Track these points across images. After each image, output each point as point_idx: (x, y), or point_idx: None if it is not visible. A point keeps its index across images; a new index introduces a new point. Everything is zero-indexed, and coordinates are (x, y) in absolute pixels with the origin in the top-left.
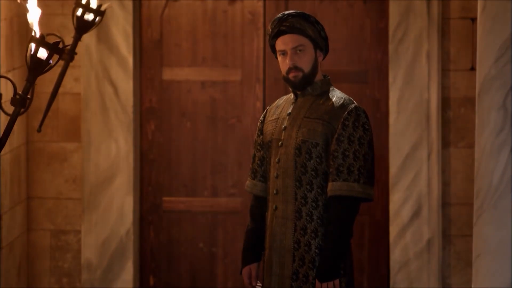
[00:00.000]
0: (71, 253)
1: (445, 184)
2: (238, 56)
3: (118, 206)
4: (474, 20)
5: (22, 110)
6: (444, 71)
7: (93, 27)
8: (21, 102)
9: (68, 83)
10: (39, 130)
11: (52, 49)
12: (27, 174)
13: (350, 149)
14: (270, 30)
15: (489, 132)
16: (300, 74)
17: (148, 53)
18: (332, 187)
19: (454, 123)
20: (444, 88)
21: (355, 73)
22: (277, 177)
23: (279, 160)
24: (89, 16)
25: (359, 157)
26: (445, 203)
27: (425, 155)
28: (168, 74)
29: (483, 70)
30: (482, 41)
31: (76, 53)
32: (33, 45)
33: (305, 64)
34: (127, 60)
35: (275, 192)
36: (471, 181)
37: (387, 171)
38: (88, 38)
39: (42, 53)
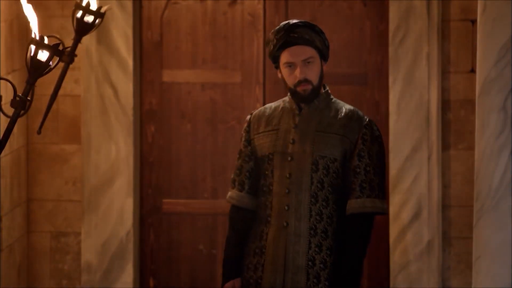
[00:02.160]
0: (71, 255)
1: (445, 186)
2: (238, 58)
3: (118, 208)
4: (474, 22)
5: (22, 112)
6: (444, 73)
7: (93, 29)
8: (21, 104)
9: (68, 85)
10: (39, 132)
11: (52, 51)
12: (27, 176)
13: (371, 165)
14: (275, 40)
15: (489, 134)
16: (309, 87)
17: (148, 55)
18: (356, 204)
19: (454, 125)
20: (444, 90)
21: (355, 75)
22: (288, 192)
23: (290, 175)
24: (89, 18)
25: (379, 172)
26: (445, 205)
27: (425, 157)
28: (168, 76)
29: (483, 72)
30: (482, 43)
31: (76, 55)
32: (33, 47)
33: (314, 77)
34: (127, 62)
35: (286, 208)
36: (471, 183)
37: (387, 173)
38: (88, 40)
39: (42, 55)
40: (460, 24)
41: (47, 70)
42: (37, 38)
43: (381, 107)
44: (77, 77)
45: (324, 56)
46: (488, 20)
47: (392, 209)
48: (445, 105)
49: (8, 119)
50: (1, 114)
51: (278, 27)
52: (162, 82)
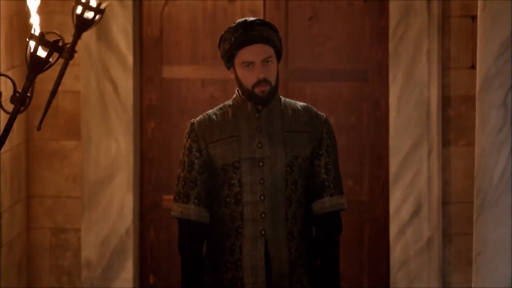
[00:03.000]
0: (71, 251)
1: (445, 183)
2: None
3: (118, 205)
4: (474, 18)
5: (22, 108)
6: (444, 70)
7: (93, 25)
8: (21, 100)
9: (68, 81)
10: (39, 128)
11: (52, 47)
12: (27, 173)
13: (336, 159)
14: (233, 38)
15: (489, 130)
16: (267, 88)
17: (148, 51)
18: (331, 202)
19: (454, 121)
20: (444, 87)
21: (355, 72)
22: (263, 199)
23: (263, 180)
24: (89, 14)
25: (338, 166)
26: (445, 202)
27: (425, 154)
28: (168, 72)
29: (483, 68)
30: (482, 39)
31: (76, 51)
32: (32, 43)
33: (273, 77)
34: (127, 58)
35: (262, 216)
36: (471, 179)
37: (387, 169)
38: (88, 36)
39: (42, 52)
40: (461, 21)
41: (47, 66)
42: (37, 34)
43: (381, 103)
44: (77, 73)
45: (280, 54)
46: (488, 16)
47: (392, 206)
48: (445, 101)
49: (8, 115)
50: (1, 110)
51: (234, 24)
52: (162, 78)
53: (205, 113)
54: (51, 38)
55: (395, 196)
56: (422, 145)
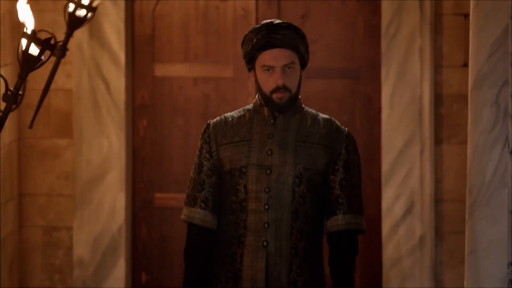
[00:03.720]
0: (63, 249)
1: (437, 181)
2: (230, 52)
3: (110, 203)
4: (467, 16)
5: (14, 106)
6: (437, 68)
7: (85, 23)
8: (13, 98)
9: (59, 79)
10: (30, 127)
11: (44, 45)
12: (19, 171)
13: (355, 177)
14: (255, 39)
15: (482, 128)
16: (287, 95)
17: (140, 49)
18: (345, 220)
19: (446, 119)
20: (436, 85)
21: (348, 70)
22: (267, 208)
23: (268, 189)
24: (81, 12)
25: (360, 187)
26: (437, 200)
27: (418, 152)
28: (160, 70)
29: (475, 66)
30: (475, 37)
31: (68, 49)
32: (24, 41)
33: (293, 84)
34: (119, 56)
35: (265, 226)
36: (464, 177)
37: (380, 167)
38: (80, 34)
39: (34, 49)
40: (453, 18)
41: (39, 64)
42: (29, 32)
43: (373, 101)
44: (69, 71)
45: (304, 63)
46: (481, 14)
47: (384, 204)
48: (437, 99)
49: (0, 114)
50: None
51: (258, 25)
52: (154, 76)
53: (223, 114)
54: (43, 36)
55: (387, 195)
56: (414, 143)
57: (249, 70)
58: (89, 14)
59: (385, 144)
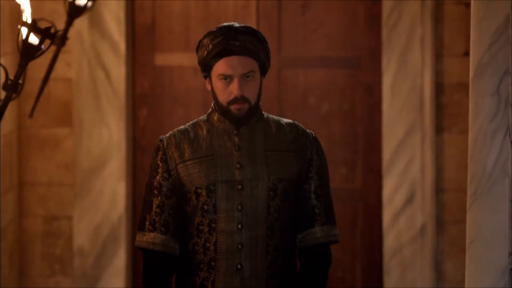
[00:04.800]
0: (63, 239)
1: (438, 170)
2: None
3: (110, 192)
4: (468, 5)
5: (14, 95)
6: (438, 57)
7: (85, 12)
8: (13, 87)
9: (59, 69)
10: (30, 116)
11: (44, 34)
12: (19, 160)
13: (327, 184)
14: (211, 45)
15: (483, 117)
16: (246, 107)
17: (141, 38)
18: (324, 232)
19: (447, 108)
20: (437, 74)
21: (348, 59)
22: (241, 228)
23: (241, 206)
24: (81, 1)
25: (329, 192)
26: (438, 189)
27: (419, 141)
28: (161, 60)
29: (476, 55)
30: (476, 26)
31: (68, 38)
32: (24, 30)
33: (253, 94)
34: (119, 45)
35: (239, 247)
36: (465, 167)
37: (380, 157)
38: (80, 23)
39: (34, 38)
40: (454, 7)
41: (39, 53)
42: (29, 21)
43: (374, 90)
44: (69, 60)
45: (265, 70)
46: (482, 3)
47: (385, 193)
48: (438, 88)
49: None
50: None
51: (215, 29)
52: (155, 65)
53: (176, 129)
54: (42, 25)
55: (388, 184)
56: (415, 133)
57: (205, 77)
58: (89, 3)
59: (385, 134)
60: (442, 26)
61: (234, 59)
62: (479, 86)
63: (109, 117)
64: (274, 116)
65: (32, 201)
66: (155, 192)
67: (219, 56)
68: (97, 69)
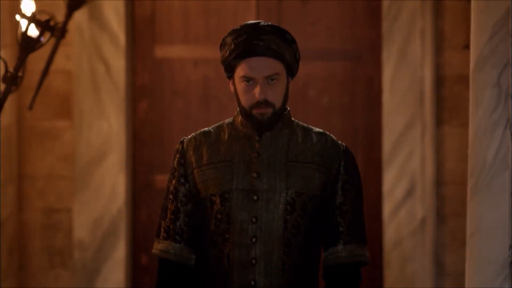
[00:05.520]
0: (62, 232)
1: (439, 163)
2: None
3: (110, 185)
4: None
5: (14, 87)
6: (438, 49)
7: (85, 4)
8: (12, 79)
9: (59, 61)
10: (30, 108)
11: (43, 26)
12: (18, 153)
13: (356, 200)
14: (233, 45)
15: (483, 110)
16: (269, 111)
17: (140, 31)
18: (347, 251)
19: (448, 101)
20: (438, 66)
21: (348, 51)
22: (255, 241)
23: (256, 218)
24: None
25: (362, 210)
26: (439, 182)
27: (419, 134)
28: (161, 52)
29: (477, 48)
30: (476, 18)
31: (67, 31)
32: (24, 23)
33: (278, 98)
34: (119, 38)
35: (253, 262)
36: (465, 159)
37: (381, 149)
38: (80, 15)
39: (33, 31)
40: (455, 0)
41: (38, 45)
42: (29, 13)
43: (374, 83)
44: (68, 53)
45: (292, 71)
46: None
47: (385, 186)
48: (439, 81)
49: None
50: None
51: (238, 27)
52: (155, 58)
53: (199, 130)
54: (42, 17)
55: (388, 177)
56: (415, 125)
57: (228, 78)
58: None
59: (386, 126)
60: (443, 18)
61: (257, 60)
62: (480, 78)
63: (109, 110)
64: (304, 124)
65: (32, 194)
66: (171, 197)
67: (241, 57)
68: (96, 62)
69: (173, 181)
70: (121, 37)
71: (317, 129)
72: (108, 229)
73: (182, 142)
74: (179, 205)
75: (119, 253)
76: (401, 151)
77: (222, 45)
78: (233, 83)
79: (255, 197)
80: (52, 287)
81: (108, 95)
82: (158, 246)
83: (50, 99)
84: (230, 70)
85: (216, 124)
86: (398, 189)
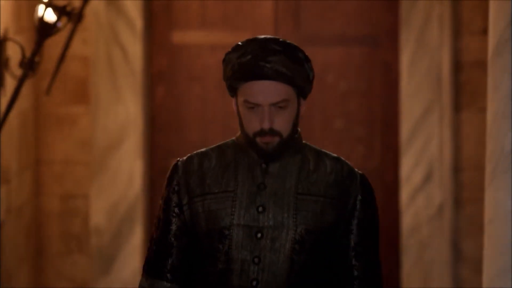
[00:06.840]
0: (79, 217)
1: (457, 148)
2: (248, 18)
3: (127, 170)
4: None
5: (31, 73)
6: (456, 34)
7: None
8: (29, 65)
9: (76, 46)
10: (47, 93)
11: (60, 11)
12: (35, 138)
13: (373, 239)
14: (236, 65)
15: (502, 95)
16: (276, 140)
17: (157, 16)
18: None
19: (466, 86)
20: (456, 51)
21: (366, 37)
22: (256, 284)
23: (258, 259)
24: None
25: (378, 250)
26: (457, 168)
27: (437, 119)
28: (178, 37)
29: (495, 33)
30: (495, 3)
31: (84, 16)
32: (41, 8)
33: (285, 126)
34: (136, 23)
35: None
36: (483, 145)
37: (398, 135)
38: (97, 0)
39: (50, 16)
40: None
41: (55, 30)
42: None
43: (392, 68)
44: (85, 38)
45: (304, 93)
46: None
47: (403, 172)
48: (457, 66)
49: (16, 80)
50: (9, 75)
51: (243, 42)
52: (172, 43)
53: (196, 151)
54: (59, 3)
55: (406, 162)
56: (433, 111)
57: (231, 96)
58: None
59: (403, 112)
60: (461, 3)
61: (263, 84)
62: (498, 63)
63: (125, 95)
64: (315, 147)
65: (49, 179)
66: (163, 229)
67: (245, 79)
68: (113, 47)
69: (166, 211)
70: (138, 22)
71: (332, 155)
72: (125, 215)
73: (176, 165)
74: (172, 239)
75: (136, 239)
76: (419, 137)
77: (225, 61)
78: (236, 104)
79: (258, 235)
80: (69, 273)
81: (125, 81)
82: (145, 284)
83: (67, 85)
84: (233, 90)
85: (217, 145)
86: (416, 175)
